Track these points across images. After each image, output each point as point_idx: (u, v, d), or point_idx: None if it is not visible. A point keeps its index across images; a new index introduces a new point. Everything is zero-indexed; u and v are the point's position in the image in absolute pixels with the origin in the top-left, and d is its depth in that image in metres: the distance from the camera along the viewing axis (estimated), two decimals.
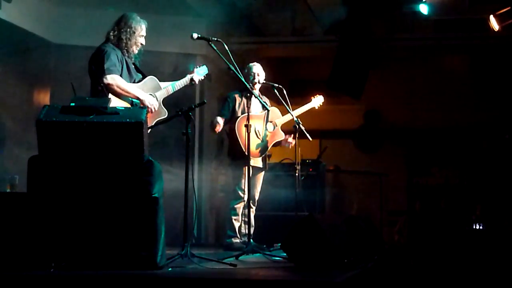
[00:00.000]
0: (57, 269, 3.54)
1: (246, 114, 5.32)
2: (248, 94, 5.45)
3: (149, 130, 4.58)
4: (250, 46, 9.14)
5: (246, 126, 5.23)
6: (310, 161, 7.63)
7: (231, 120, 5.78)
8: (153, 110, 4.68)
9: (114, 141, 3.83)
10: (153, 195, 3.77)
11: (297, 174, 5.89)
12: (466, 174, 10.30)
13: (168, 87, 4.90)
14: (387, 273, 4.93)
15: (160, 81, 4.89)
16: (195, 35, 4.73)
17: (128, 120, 3.84)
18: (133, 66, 4.82)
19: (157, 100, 4.77)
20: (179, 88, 4.98)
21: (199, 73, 5.14)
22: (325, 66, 9.11)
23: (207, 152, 8.72)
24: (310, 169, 7.44)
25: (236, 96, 5.81)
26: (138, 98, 4.62)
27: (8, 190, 4.84)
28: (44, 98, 7.47)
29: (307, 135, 5.80)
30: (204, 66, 5.20)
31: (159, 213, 3.78)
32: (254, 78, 5.76)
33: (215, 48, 4.79)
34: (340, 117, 10.55)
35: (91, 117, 3.82)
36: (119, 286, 3.33)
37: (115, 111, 3.92)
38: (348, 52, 9.04)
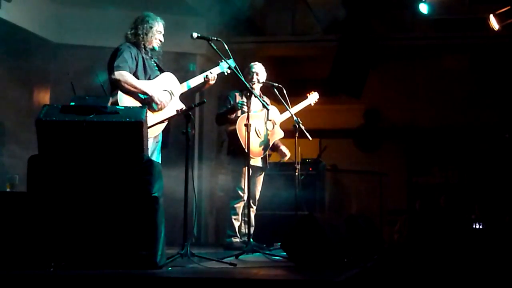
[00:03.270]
0: (57, 268, 3.54)
1: (246, 113, 5.31)
2: (248, 94, 5.45)
3: (165, 122, 4.62)
4: (250, 46, 9.14)
5: (246, 125, 5.23)
6: (310, 160, 7.64)
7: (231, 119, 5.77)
8: (163, 106, 4.70)
9: (114, 140, 3.83)
10: (153, 195, 3.76)
11: (297, 174, 5.88)
12: (466, 174, 10.30)
13: (190, 80, 4.96)
14: (387, 273, 4.93)
15: None
16: (195, 35, 4.74)
17: (128, 119, 3.83)
18: (154, 64, 4.86)
19: (173, 95, 4.79)
20: (197, 83, 5.01)
21: (223, 66, 5.11)
22: (325, 66, 9.12)
23: (207, 152, 8.72)
24: (310, 169, 7.45)
25: (237, 94, 5.80)
26: (146, 94, 4.63)
27: (8, 190, 4.84)
28: (44, 97, 7.48)
29: (307, 134, 5.80)
30: (231, 60, 5.02)
31: (159, 213, 3.77)
32: (252, 78, 5.76)
33: (215, 47, 4.79)
34: (340, 117, 10.55)
35: (91, 116, 3.81)
36: (119, 286, 3.33)
37: (115, 110, 3.92)
38: (348, 52, 9.05)
